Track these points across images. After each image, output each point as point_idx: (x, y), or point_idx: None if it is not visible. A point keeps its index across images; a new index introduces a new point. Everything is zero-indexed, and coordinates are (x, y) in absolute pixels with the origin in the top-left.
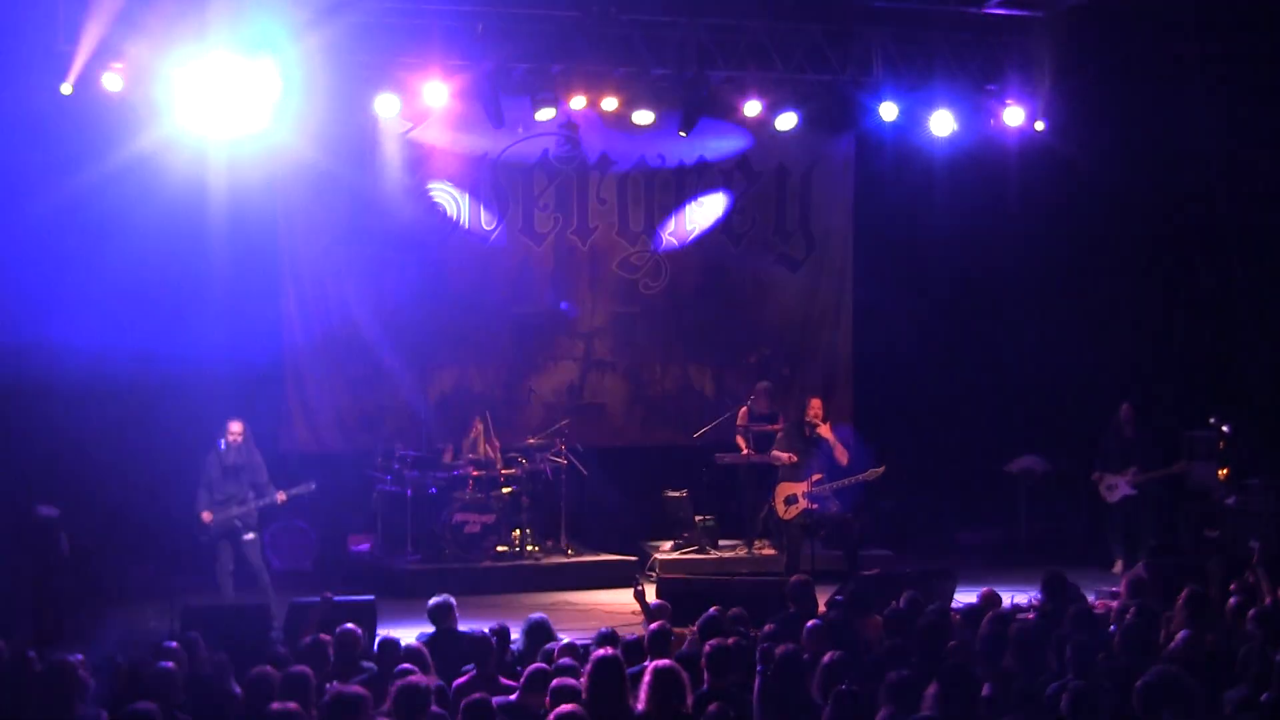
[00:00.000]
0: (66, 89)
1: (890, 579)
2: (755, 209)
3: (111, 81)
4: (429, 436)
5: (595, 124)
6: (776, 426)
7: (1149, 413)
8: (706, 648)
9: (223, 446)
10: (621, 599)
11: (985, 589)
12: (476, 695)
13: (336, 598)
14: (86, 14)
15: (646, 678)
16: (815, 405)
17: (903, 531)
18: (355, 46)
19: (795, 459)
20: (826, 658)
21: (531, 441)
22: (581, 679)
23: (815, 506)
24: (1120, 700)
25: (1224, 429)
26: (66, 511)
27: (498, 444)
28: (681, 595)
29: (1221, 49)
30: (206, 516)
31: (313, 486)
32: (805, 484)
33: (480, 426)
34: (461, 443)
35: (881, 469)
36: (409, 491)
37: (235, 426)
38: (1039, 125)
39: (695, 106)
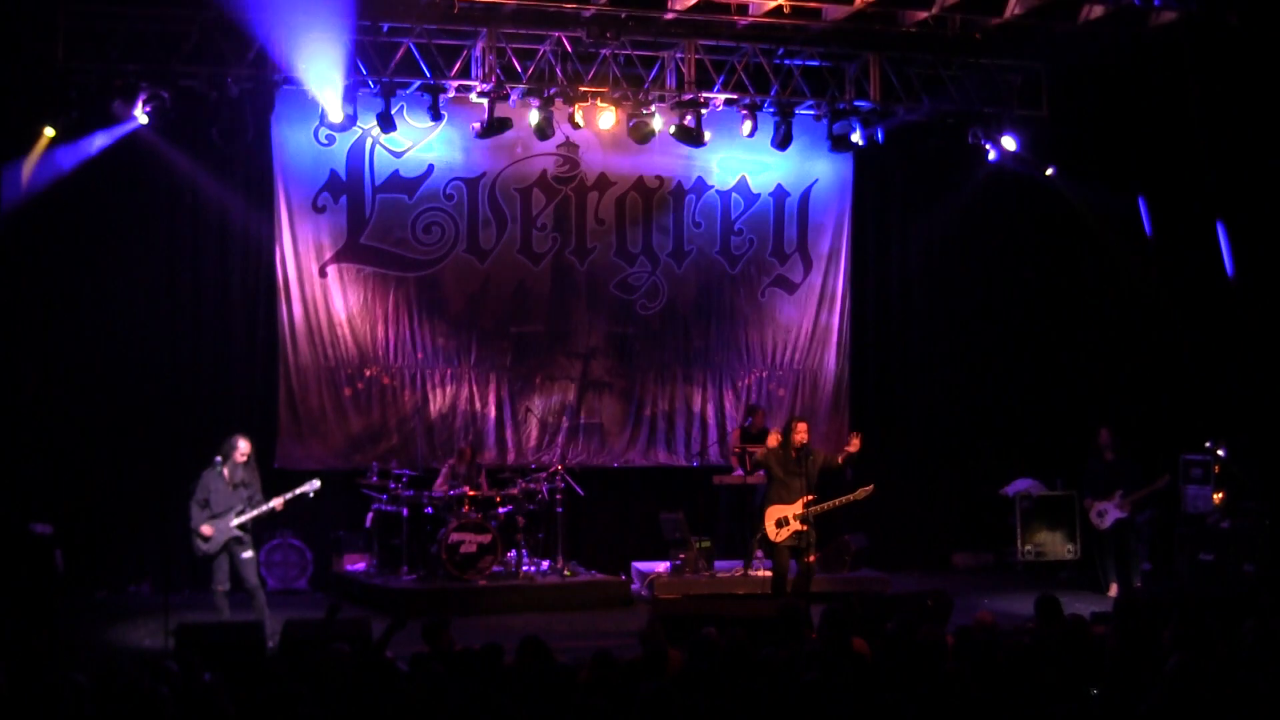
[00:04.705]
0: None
1: (884, 601)
2: (753, 230)
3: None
4: (425, 456)
5: (594, 144)
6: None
7: (1129, 434)
8: (701, 669)
9: (219, 462)
10: (618, 619)
11: (980, 611)
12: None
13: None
14: None
15: (637, 700)
16: (801, 429)
17: (899, 553)
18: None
19: (780, 437)
20: (816, 678)
21: (528, 461)
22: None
23: (806, 528)
24: None
25: (1219, 453)
26: (61, 528)
27: (479, 465)
28: (677, 616)
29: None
30: (208, 530)
31: (317, 484)
32: (797, 506)
33: (468, 451)
34: (454, 465)
35: (871, 487)
36: (405, 511)
37: (245, 445)
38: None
39: (695, 128)
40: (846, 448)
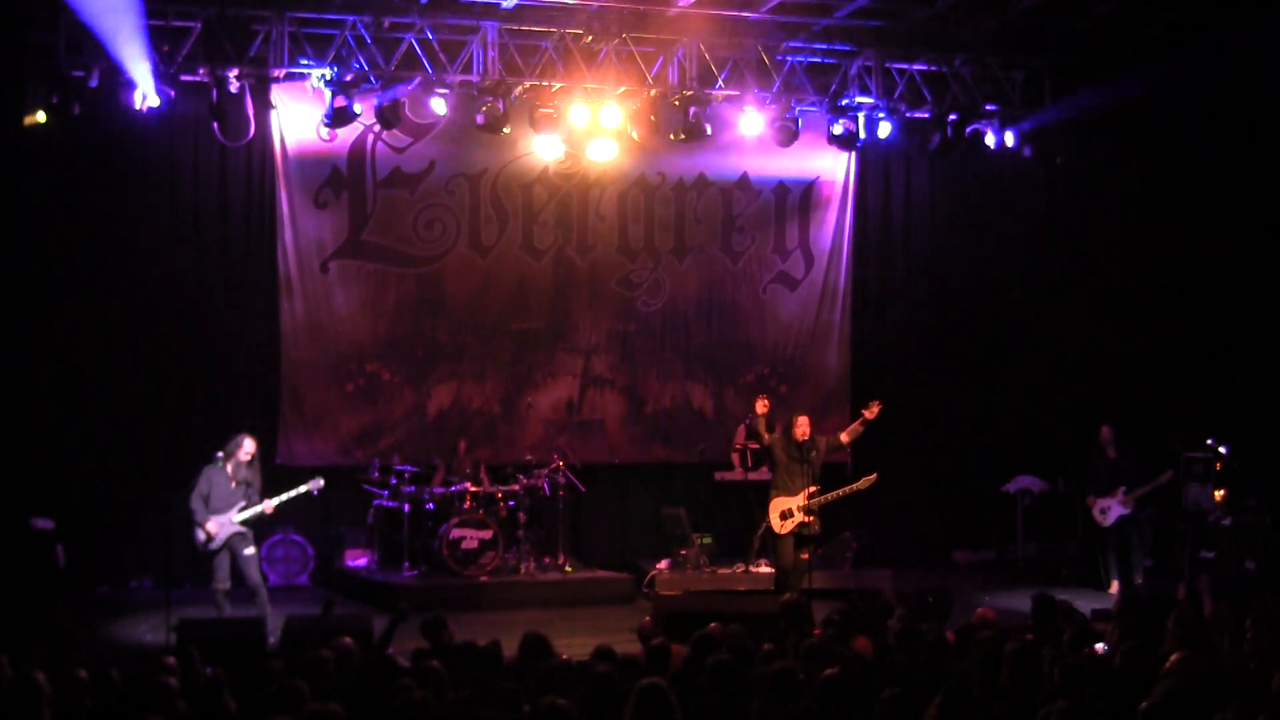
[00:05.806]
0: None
1: (886, 598)
2: (755, 227)
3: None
4: (427, 451)
5: (596, 141)
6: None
7: (1132, 431)
8: (703, 665)
9: (220, 458)
10: (619, 616)
11: (981, 609)
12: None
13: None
14: None
15: (633, 696)
16: (803, 423)
17: (900, 551)
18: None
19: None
20: (822, 676)
21: (529, 458)
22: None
23: (810, 519)
24: None
25: (1221, 450)
26: (63, 523)
27: (478, 461)
28: (678, 613)
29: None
30: (213, 528)
31: (320, 483)
32: (800, 497)
33: (463, 445)
34: (452, 461)
35: (874, 476)
36: (406, 506)
37: (251, 445)
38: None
39: (697, 123)
40: (865, 413)
